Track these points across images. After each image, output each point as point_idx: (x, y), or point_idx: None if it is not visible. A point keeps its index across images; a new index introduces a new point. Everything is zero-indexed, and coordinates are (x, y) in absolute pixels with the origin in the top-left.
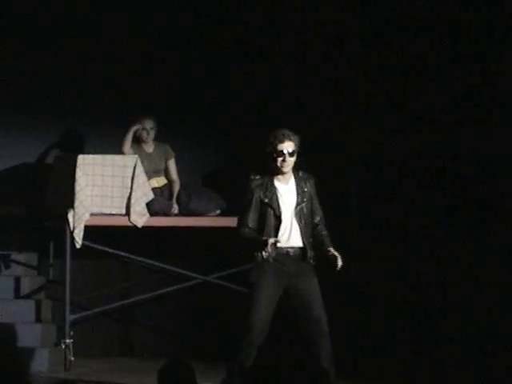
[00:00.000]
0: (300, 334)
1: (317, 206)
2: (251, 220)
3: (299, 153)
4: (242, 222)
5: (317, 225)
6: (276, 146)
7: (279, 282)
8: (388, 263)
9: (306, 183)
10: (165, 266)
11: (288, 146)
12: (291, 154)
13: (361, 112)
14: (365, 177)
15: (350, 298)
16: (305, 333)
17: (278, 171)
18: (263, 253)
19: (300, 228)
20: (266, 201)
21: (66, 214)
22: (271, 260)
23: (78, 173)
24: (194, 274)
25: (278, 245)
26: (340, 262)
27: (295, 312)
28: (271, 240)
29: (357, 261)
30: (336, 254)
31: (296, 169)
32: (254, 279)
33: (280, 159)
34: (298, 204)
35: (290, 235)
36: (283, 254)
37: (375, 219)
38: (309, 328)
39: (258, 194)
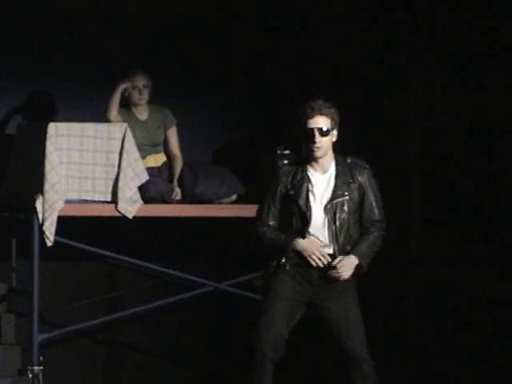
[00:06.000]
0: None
1: (372, 205)
2: (272, 216)
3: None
4: (260, 218)
5: (367, 229)
6: (304, 122)
7: (300, 290)
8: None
9: (355, 173)
10: (164, 269)
11: (319, 123)
12: (324, 133)
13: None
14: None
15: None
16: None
17: (312, 156)
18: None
19: (332, 231)
20: (292, 193)
21: (34, 201)
22: (288, 267)
23: (49, 147)
24: (201, 280)
25: None
26: (338, 273)
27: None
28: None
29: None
30: (342, 262)
31: (343, 154)
32: (260, 284)
33: (308, 140)
34: (332, 198)
35: (320, 239)
36: (308, 262)
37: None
38: (348, 364)
39: (284, 183)
